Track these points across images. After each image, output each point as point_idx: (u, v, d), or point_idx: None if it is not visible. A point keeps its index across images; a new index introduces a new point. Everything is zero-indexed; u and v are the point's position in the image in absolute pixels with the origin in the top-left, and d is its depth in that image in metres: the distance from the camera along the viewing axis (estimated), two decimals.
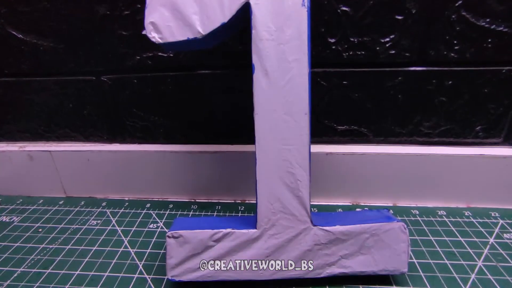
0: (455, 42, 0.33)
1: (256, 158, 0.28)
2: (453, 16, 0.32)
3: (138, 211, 0.41)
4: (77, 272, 0.32)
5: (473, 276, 0.30)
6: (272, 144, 0.27)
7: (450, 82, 0.35)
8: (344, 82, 0.36)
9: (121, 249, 0.35)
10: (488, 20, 0.32)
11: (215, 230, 0.28)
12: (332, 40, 0.34)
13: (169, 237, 0.28)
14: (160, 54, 0.36)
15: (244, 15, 0.26)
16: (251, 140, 0.28)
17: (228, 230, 0.28)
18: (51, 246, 0.36)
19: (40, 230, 0.38)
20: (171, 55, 0.37)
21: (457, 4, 0.32)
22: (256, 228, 0.28)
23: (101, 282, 0.31)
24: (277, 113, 0.27)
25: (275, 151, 0.27)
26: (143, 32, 0.27)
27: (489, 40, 0.33)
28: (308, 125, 0.27)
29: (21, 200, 0.45)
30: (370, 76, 0.36)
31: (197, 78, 0.38)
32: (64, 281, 0.31)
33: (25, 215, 0.41)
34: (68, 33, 0.36)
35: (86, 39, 0.36)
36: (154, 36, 0.27)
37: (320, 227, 0.28)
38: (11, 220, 0.41)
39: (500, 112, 0.36)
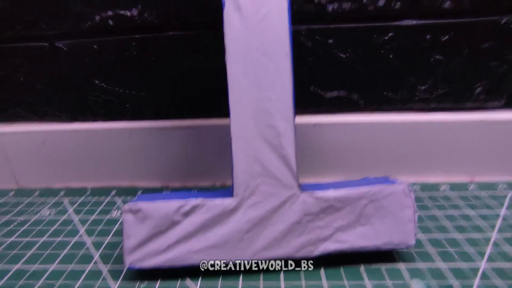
0: None
1: (230, 111, 0.23)
2: None
3: (101, 200, 0.36)
4: (17, 266, 0.26)
5: (489, 248, 0.26)
6: (248, 92, 0.23)
7: (446, 37, 0.32)
8: (330, 41, 0.32)
9: (75, 238, 0.29)
10: None
11: (183, 201, 0.23)
12: None
13: (125, 211, 0.23)
14: (122, 12, 0.32)
15: None
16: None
17: (199, 200, 0.23)
18: None
19: None
20: (135, 14, 0.32)
21: None
22: (232, 197, 0.23)
23: (45, 276, 0.25)
24: (252, 54, 0.22)
25: (252, 100, 0.23)
26: None
27: None
28: (290, 68, 0.23)
29: None
30: (357, 32, 0.32)
31: (166, 41, 0.33)
32: None
33: None
34: None
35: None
36: None
37: (310, 192, 0.23)
38: None
39: (503, 69, 0.33)
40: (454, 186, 0.35)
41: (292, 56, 0.23)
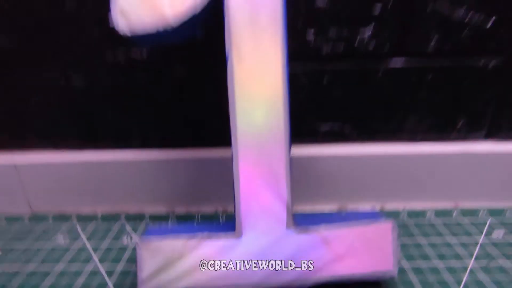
0: (433, 33, 0.33)
1: (233, 153, 0.26)
2: (429, 8, 0.32)
3: (111, 225, 0.38)
4: None
5: (465, 277, 0.29)
6: (248, 139, 0.25)
7: (431, 76, 0.35)
8: (324, 78, 0.35)
9: (90, 267, 0.32)
10: (464, 9, 0.32)
11: (190, 235, 0.26)
12: (311, 35, 0.33)
13: (139, 247, 0.26)
14: (133, 51, 0.35)
15: (216, 4, 0.25)
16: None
17: (205, 234, 0.26)
18: (9, 271, 0.32)
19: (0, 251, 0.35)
20: (145, 56, 0.35)
21: None
22: (235, 231, 0.26)
23: None
24: (253, 104, 0.25)
25: (252, 145, 0.26)
26: (110, 21, 0.25)
27: (465, 31, 0.32)
28: (287, 118, 0.25)
29: None
30: (350, 72, 0.35)
31: (173, 79, 0.36)
32: None
33: None
34: (30, 29, 0.34)
35: (50, 35, 0.34)
36: (122, 24, 0.25)
37: (304, 227, 0.26)
38: None
39: (481, 106, 0.36)
40: (439, 213, 0.38)
41: (289, 103, 0.26)
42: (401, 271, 0.29)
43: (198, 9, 0.25)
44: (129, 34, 0.25)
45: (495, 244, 0.32)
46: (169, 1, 0.24)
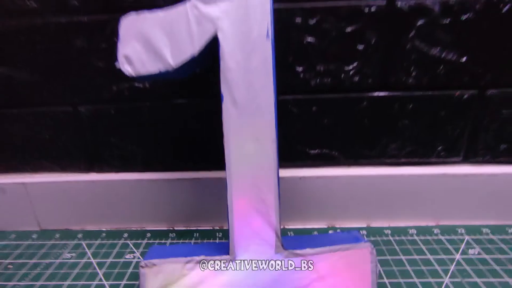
0: (412, 69, 0.36)
1: (227, 185, 0.28)
2: (408, 46, 0.35)
3: (115, 242, 0.41)
4: None
5: None
6: (241, 171, 0.28)
7: (411, 106, 0.38)
8: (314, 108, 0.38)
9: (95, 282, 0.34)
10: (438, 48, 0.35)
11: (189, 258, 0.28)
12: (300, 69, 0.36)
13: (142, 267, 0.28)
14: (136, 85, 0.38)
15: (212, 47, 0.28)
16: None
17: (202, 257, 0.29)
18: (20, 284, 0.35)
19: (10, 266, 0.37)
20: (147, 86, 0.38)
21: (410, 35, 0.34)
22: (229, 254, 0.29)
23: None
24: (245, 140, 0.28)
25: (245, 177, 0.28)
26: (117, 65, 0.28)
27: (441, 67, 0.35)
28: (276, 152, 0.28)
29: None
30: (337, 102, 0.38)
31: (173, 107, 0.39)
32: None
33: None
34: (44, 66, 0.37)
35: (62, 70, 0.37)
36: (127, 69, 0.28)
37: (291, 250, 0.29)
38: None
39: (458, 133, 0.38)
40: (420, 230, 0.41)
41: (277, 136, 0.29)
42: (382, 286, 0.32)
43: (196, 53, 0.28)
44: (133, 75, 0.28)
45: (470, 261, 0.35)
46: (170, 48, 0.27)
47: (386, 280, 0.33)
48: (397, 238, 0.40)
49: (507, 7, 0.33)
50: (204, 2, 0.27)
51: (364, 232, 0.41)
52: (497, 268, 0.34)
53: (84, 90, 0.38)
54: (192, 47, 0.27)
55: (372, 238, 0.40)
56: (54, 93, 0.38)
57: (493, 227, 0.40)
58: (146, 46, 0.28)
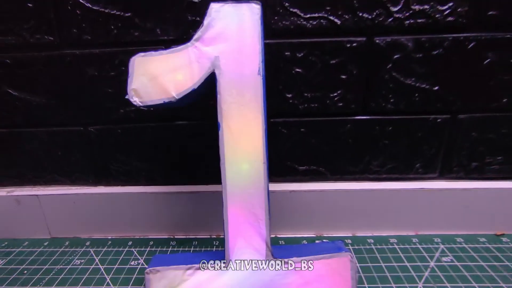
0: (390, 96, 0.40)
1: (223, 201, 0.32)
2: (386, 76, 0.39)
3: (120, 249, 0.44)
4: None
5: None
6: (236, 189, 0.32)
7: (390, 128, 0.42)
8: (302, 130, 0.42)
9: (104, 287, 0.38)
10: (413, 79, 0.39)
11: (188, 266, 0.32)
12: (290, 95, 0.40)
13: (147, 273, 0.32)
14: (141, 108, 0.42)
15: (210, 82, 0.32)
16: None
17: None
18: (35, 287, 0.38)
19: (25, 272, 0.41)
20: (151, 109, 0.42)
21: (388, 67, 0.39)
22: (224, 261, 0.32)
23: None
24: (239, 162, 0.32)
25: (239, 195, 0.32)
26: (126, 97, 0.32)
27: (416, 95, 0.39)
28: (266, 172, 0.32)
29: (6, 243, 0.47)
30: (323, 124, 0.42)
31: (174, 128, 0.43)
32: None
33: (10, 257, 0.44)
34: (59, 91, 0.41)
35: (75, 95, 0.41)
36: (136, 100, 0.32)
37: (279, 259, 0.32)
38: None
39: (433, 152, 0.42)
40: (400, 239, 0.45)
41: (267, 161, 0.32)
42: None
43: (196, 86, 0.32)
44: (141, 106, 0.32)
45: (443, 268, 0.39)
46: (173, 83, 0.31)
47: (366, 285, 0.37)
48: (378, 246, 0.43)
49: (471, 44, 0.37)
50: (203, 42, 0.31)
51: (349, 241, 0.45)
52: (467, 274, 0.38)
53: (94, 112, 0.42)
54: (192, 82, 0.31)
55: (356, 247, 0.44)
56: (67, 115, 0.42)
57: (466, 237, 0.44)
58: (152, 81, 0.32)
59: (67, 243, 0.46)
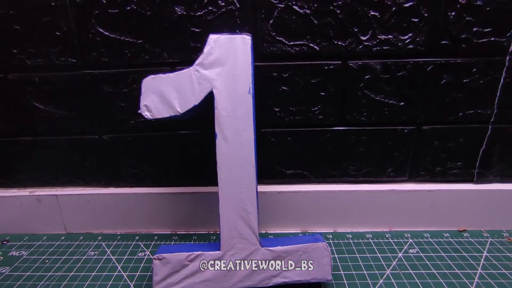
0: (363, 110, 0.46)
1: (219, 198, 0.39)
2: (359, 93, 0.46)
3: (128, 243, 0.50)
4: None
5: (381, 281, 0.41)
6: (230, 188, 0.38)
7: (364, 138, 0.48)
8: (288, 138, 0.48)
9: (116, 273, 0.44)
10: (382, 96, 0.45)
11: (189, 253, 0.38)
12: (277, 109, 0.47)
13: (155, 259, 0.38)
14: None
15: (209, 99, 0.39)
16: None
17: (199, 252, 0.38)
18: (57, 274, 0.44)
19: (47, 261, 0.47)
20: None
21: (360, 85, 0.45)
22: (219, 250, 0.39)
23: None
24: (233, 166, 0.38)
25: (232, 193, 0.38)
26: (139, 111, 0.38)
27: (385, 109, 0.46)
28: (255, 174, 0.38)
29: (27, 237, 0.53)
30: (306, 134, 0.48)
31: (178, 136, 0.49)
32: None
33: (32, 249, 0.50)
34: (79, 104, 0.48)
35: (92, 108, 0.48)
36: (147, 114, 0.38)
37: (266, 247, 0.39)
38: (20, 254, 0.49)
39: (402, 158, 0.49)
40: (375, 235, 0.51)
41: (256, 166, 0.39)
42: (338, 277, 0.42)
43: (197, 102, 0.38)
44: (151, 119, 0.39)
45: (409, 258, 0.45)
46: (178, 100, 0.38)
47: (342, 272, 0.43)
48: (356, 241, 0.50)
49: (430, 67, 0.44)
50: (203, 67, 0.38)
51: (331, 236, 0.51)
52: (428, 263, 0.44)
53: (109, 123, 0.48)
54: (194, 99, 0.38)
55: (336, 241, 0.50)
56: (85, 125, 0.49)
57: (433, 232, 0.51)
58: (161, 98, 0.38)
59: (81, 237, 0.52)
